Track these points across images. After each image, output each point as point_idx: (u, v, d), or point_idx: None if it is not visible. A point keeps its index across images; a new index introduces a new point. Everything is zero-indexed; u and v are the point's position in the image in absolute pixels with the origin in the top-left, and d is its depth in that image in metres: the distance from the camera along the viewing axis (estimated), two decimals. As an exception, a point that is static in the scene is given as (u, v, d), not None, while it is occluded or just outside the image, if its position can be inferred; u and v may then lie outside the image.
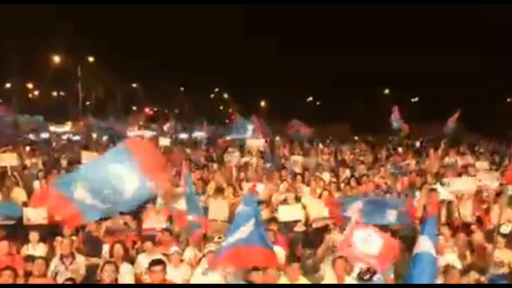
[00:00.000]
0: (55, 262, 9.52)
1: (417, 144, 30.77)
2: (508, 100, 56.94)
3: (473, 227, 11.12)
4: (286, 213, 11.85)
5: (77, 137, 35.53)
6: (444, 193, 12.48)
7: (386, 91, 67.08)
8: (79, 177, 8.02)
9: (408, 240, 10.09)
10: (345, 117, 52.62)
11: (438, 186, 13.12)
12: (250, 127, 21.10)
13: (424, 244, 7.30)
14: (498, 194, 12.54)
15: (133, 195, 8.13)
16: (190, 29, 63.95)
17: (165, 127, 43.13)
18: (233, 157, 18.07)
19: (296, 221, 11.83)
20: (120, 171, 7.93)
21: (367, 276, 8.73)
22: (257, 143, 18.62)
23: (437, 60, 57.04)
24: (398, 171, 16.64)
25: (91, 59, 54.70)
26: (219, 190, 13.31)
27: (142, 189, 8.13)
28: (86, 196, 7.79)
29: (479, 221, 11.67)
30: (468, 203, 12.36)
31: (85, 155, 16.40)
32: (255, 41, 64.13)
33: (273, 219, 11.51)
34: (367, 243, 8.31)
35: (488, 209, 12.34)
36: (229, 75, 63.67)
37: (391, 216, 10.27)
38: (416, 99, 65.01)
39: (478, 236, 10.26)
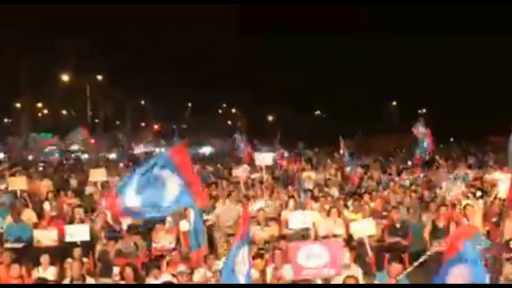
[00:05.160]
0: (65, 285, 9.56)
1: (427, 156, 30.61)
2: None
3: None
4: (295, 220, 11.85)
5: (86, 155, 35.73)
6: None
7: (394, 103, 67.04)
8: (131, 181, 8.14)
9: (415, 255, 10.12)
10: (354, 132, 52.04)
11: None
12: (238, 142, 21.24)
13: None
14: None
15: (172, 201, 8.17)
16: (198, 45, 63.96)
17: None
18: (242, 173, 18.03)
19: (305, 229, 11.75)
20: (162, 175, 8.03)
21: None
22: (266, 158, 18.31)
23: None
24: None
25: (99, 77, 55.08)
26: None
27: (181, 196, 8.16)
28: (134, 201, 7.93)
29: (489, 236, 11.58)
30: (477, 216, 12.27)
31: (93, 173, 16.54)
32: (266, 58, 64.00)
33: (282, 237, 11.50)
34: (313, 258, 8.27)
35: (499, 222, 12.23)
36: (237, 91, 63.65)
37: None
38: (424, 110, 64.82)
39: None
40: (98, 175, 16.34)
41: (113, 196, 8.22)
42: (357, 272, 9.53)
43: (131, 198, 7.93)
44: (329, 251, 8.36)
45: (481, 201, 13.54)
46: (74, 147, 48.49)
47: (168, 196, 8.00)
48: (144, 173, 8.06)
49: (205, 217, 12.69)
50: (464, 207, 12.24)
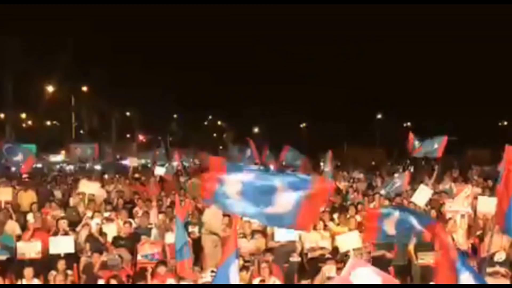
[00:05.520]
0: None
1: (411, 169, 30.71)
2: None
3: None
4: (282, 233, 11.78)
5: (70, 167, 35.46)
6: None
7: (379, 115, 67.39)
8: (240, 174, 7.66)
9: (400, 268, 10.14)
10: (340, 143, 51.99)
11: None
12: (248, 152, 21.11)
13: None
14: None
15: (273, 215, 7.61)
16: (187, 58, 64.23)
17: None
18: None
19: (291, 242, 11.80)
20: (286, 192, 7.48)
21: None
22: None
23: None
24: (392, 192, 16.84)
25: (84, 88, 54.86)
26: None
27: (283, 217, 7.63)
28: (234, 190, 7.47)
29: (474, 249, 11.66)
30: (461, 230, 12.34)
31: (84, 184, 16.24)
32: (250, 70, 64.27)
33: (268, 250, 11.50)
34: (361, 280, 8.17)
35: (483, 236, 12.31)
36: (224, 103, 63.88)
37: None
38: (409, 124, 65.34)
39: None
40: (86, 187, 16.00)
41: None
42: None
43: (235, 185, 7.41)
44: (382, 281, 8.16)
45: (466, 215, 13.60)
46: (58, 158, 48.09)
47: (270, 208, 7.48)
48: (265, 179, 7.47)
49: (190, 229, 12.70)
50: (447, 220, 12.34)
